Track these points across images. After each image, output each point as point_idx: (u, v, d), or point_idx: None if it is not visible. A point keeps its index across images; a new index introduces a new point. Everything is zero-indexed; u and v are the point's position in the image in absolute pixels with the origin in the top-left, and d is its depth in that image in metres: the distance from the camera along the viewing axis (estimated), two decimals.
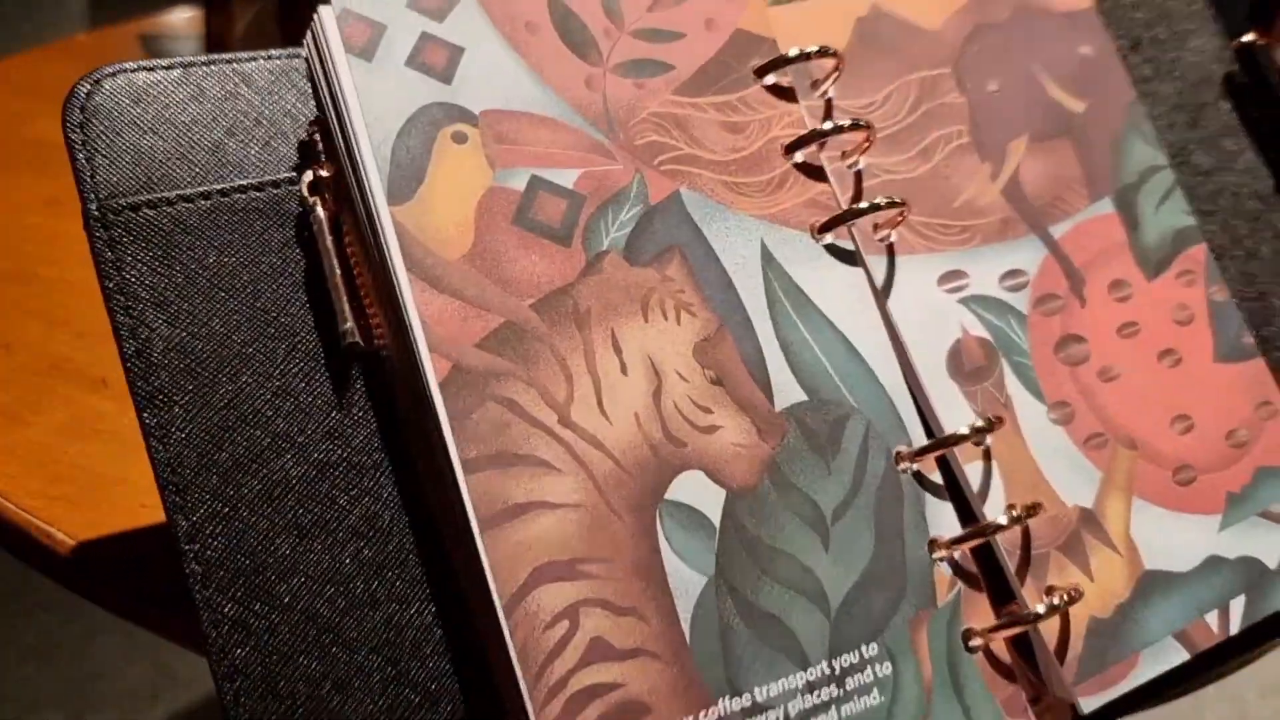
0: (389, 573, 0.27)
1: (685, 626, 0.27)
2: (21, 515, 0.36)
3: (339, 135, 0.28)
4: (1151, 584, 0.32)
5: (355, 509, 0.27)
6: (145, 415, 0.26)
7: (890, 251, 0.34)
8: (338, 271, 0.28)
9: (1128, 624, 0.31)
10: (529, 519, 0.27)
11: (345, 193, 0.29)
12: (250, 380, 0.27)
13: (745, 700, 0.27)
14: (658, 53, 0.32)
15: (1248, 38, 0.42)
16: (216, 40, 0.65)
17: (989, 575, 0.31)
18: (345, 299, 0.28)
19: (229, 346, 0.27)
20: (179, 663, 1.10)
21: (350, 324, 0.27)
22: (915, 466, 0.31)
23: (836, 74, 0.34)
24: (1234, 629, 0.32)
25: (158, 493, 0.26)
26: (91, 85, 0.28)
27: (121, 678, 1.09)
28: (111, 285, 0.27)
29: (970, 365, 0.33)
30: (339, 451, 0.28)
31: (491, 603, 0.26)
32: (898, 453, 0.31)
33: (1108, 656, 0.31)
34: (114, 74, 0.29)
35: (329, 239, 0.28)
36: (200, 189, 0.29)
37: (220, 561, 0.26)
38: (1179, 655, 0.31)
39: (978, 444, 0.32)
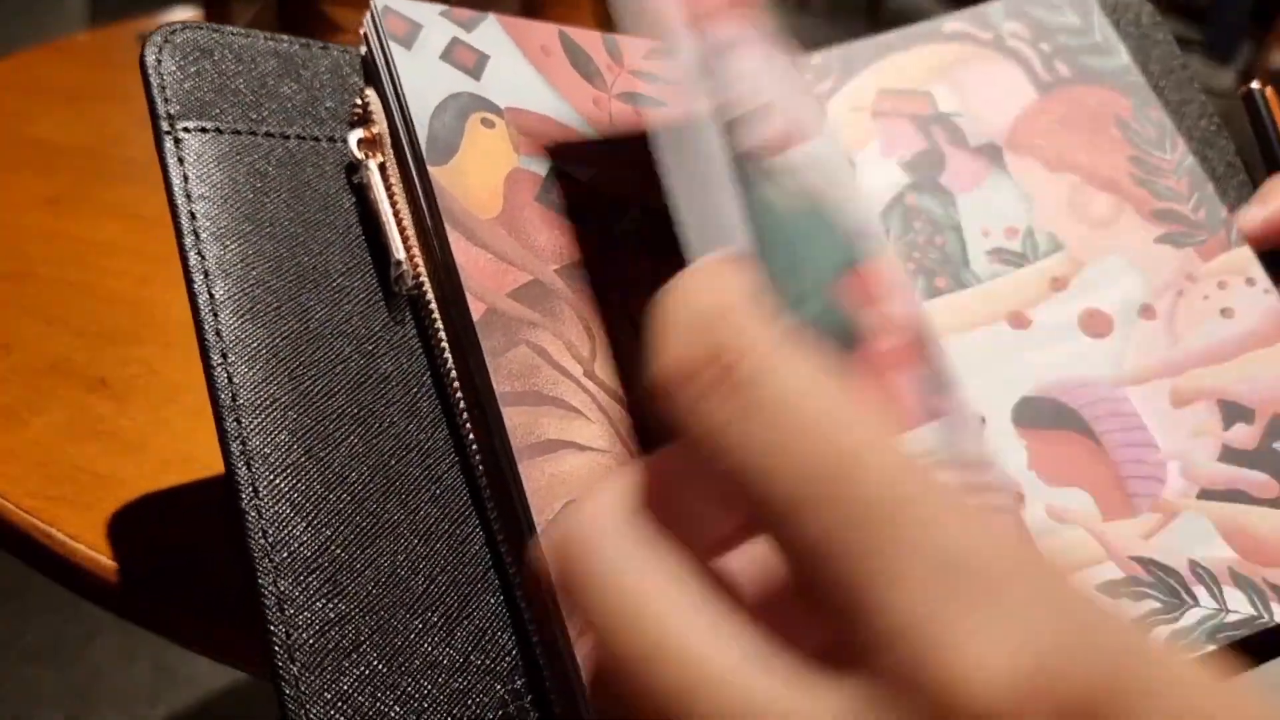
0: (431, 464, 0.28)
1: None
2: (21, 515, 0.35)
3: (393, 100, 0.31)
4: None
5: (402, 419, 0.29)
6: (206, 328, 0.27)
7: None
8: (390, 212, 0.30)
9: None
10: (560, 456, 0.28)
11: (394, 150, 0.31)
12: (301, 296, 0.29)
13: None
14: (654, 92, 0.35)
15: (1255, 85, 0.39)
16: None
17: None
18: (398, 236, 0.30)
19: (286, 266, 0.29)
20: (179, 663, 1.09)
21: (403, 256, 0.30)
22: None
23: None
24: None
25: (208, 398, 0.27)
26: (171, 30, 0.30)
27: (121, 678, 1.09)
28: (177, 196, 0.29)
29: None
30: (390, 365, 0.29)
31: (527, 533, 0.26)
32: None
33: None
34: (197, 26, 0.31)
35: (380, 186, 0.30)
36: (265, 129, 0.31)
37: (271, 451, 0.27)
38: None
39: None
